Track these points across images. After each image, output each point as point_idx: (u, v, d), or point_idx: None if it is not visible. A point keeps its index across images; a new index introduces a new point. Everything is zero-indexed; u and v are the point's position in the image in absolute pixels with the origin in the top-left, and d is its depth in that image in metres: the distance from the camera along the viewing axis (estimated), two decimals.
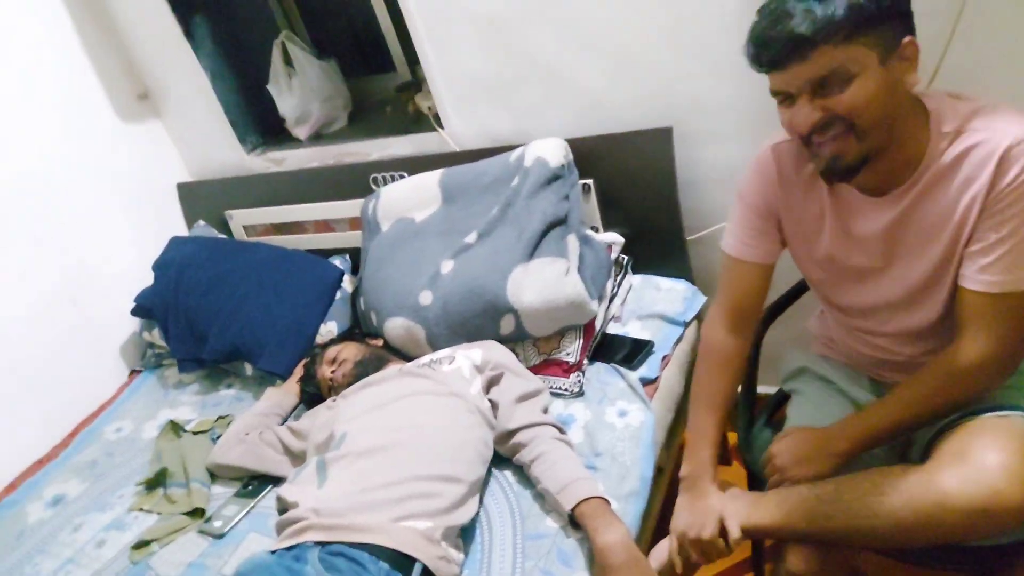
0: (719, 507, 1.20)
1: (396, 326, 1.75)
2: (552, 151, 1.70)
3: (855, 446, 1.15)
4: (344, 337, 1.94)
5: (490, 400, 1.50)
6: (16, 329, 1.96)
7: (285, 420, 1.76)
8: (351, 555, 1.17)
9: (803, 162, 1.18)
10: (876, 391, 1.31)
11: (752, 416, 1.49)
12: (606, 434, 1.47)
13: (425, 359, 1.62)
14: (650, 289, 1.82)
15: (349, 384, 1.63)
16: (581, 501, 1.25)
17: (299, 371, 1.86)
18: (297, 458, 1.59)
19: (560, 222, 1.66)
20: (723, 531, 1.18)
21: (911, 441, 1.22)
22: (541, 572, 1.24)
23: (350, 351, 1.72)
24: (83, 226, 2.13)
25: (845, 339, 1.34)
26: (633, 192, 1.80)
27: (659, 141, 1.71)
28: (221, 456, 1.64)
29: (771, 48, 1.00)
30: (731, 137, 1.70)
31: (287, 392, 1.81)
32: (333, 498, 1.28)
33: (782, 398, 1.49)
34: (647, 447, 1.45)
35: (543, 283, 1.60)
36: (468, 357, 1.56)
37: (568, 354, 1.63)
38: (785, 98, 1.05)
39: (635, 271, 1.87)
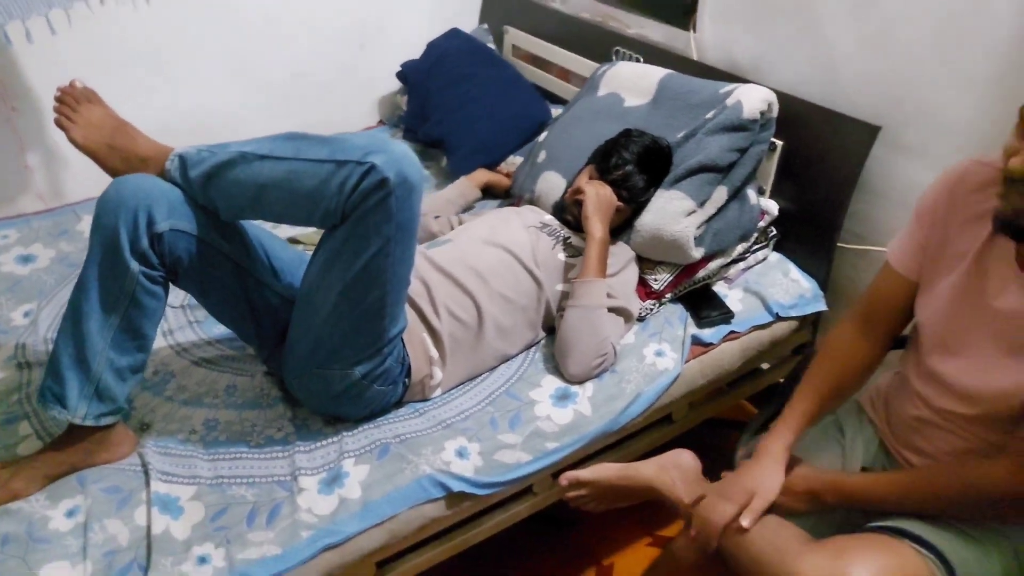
0: (753, 485, 1.14)
1: (551, 182, 1.87)
2: (753, 102, 1.65)
3: (840, 504, 1.14)
4: None
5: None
6: (314, 46, 2.44)
7: (465, 210, 2.00)
8: None
9: (986, 194, 1.06)
10: (877, 457, 1.26)
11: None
12: (632, 362, 1.54)
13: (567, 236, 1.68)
14: (778, 272, 1.77)
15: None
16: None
17: (482, 174, 2.07)
18: None
19: (717, 169, 1.65)
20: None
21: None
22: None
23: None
24: None
25: (895, 396, 1.25)
26: (811, 173, 1.71)
27: (861, 135, 1.59)
28: None
29: None
30: (937, 166, 1.51)
31: (473, 185, 2.03)
32: None
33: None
34: (652, 392, 1.51)
35: (661, 213, 1.65)
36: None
37: (655, 280, 1.69)
38: None
39: (780, 249, 1.81)
